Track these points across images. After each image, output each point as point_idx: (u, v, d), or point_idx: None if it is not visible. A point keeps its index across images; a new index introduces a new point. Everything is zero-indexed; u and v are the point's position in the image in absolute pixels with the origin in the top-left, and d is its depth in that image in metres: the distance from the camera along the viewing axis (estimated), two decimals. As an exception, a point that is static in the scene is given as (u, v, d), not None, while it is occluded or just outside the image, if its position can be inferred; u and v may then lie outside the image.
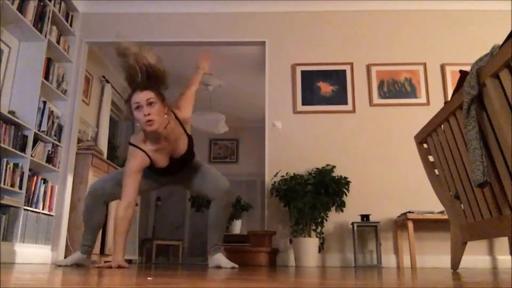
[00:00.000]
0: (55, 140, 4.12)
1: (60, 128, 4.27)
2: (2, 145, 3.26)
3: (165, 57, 5.72)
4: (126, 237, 2.29)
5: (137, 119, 2.27)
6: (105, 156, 5.28)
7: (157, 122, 2.24)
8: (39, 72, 3.84)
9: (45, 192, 3.92)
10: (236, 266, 2.62)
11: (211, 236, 2.72)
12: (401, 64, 4.48)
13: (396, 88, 4.42)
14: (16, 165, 3.47)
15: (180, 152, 2.52)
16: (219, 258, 2.67)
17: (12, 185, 3.42)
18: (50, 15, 4.02)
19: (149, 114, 2.21)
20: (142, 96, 2.22)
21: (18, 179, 3.49)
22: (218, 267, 2.64)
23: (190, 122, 2.65)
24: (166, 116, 2.34)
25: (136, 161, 2.37)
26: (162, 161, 2.47)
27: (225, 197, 2.68)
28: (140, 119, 2.24)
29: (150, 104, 2.22)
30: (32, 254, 3.67)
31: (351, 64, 4.50)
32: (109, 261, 2.25)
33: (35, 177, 3.79)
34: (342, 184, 3.90)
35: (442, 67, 4.45)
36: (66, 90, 4.40)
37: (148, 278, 1.24)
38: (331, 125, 4.35)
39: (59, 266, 2.58)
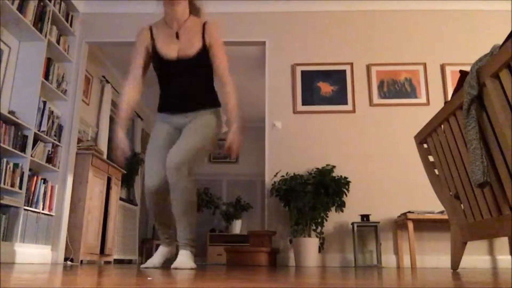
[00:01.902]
0: (55, 140, 4.13)
1: (60, 128, 4.27)
2: (2, 145, 3.26)
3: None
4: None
5: (164, 3, 2.43)
6: (105, 156, 5.28)
7: (181, 5, 2.42)
8: (39, 72, 3.84)
9: (45, 192, 3.92)
10: (189, 267, 2.27)
11: (177, 229, 2.40)
12: (401, 64, 4.48)
13: (396, 88, 4.42)
14: (16, 165, 3.47)
15: (188, 54, 2.44)
16: (178, 258, 2.34)
17: (12, 185, 3.42)
18: (50, 15, 4.02)
19: None
20: None
21: (18, 179, 3.49)
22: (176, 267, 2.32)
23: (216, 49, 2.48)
24: (189, 14, 2.51)
25: (139, 35, 2.53)
26: (167, 49, 2.46)
27: (178, 177, 2.31)
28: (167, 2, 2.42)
29: None
30: (32, 254, 3.67)
31: (351, 64, 4.50)
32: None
33: (35, 177, 3.79)
34: (342, 184, 3.90)
35: (442, 67, 4.45)
36: (66, 90, 4.40)
37: (148, 278, 1.24)
38: (331, 125, 4.35)
39: (147, 268, 2.33)
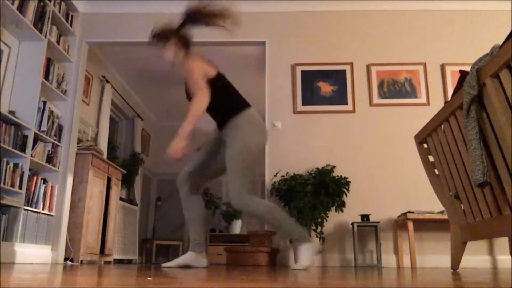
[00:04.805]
0: (55, 140, 4.12)
1: (60, 128, 4.27)
2: (2, 145, 3.26)
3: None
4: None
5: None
6: (105, 156, 5.28)
7: (168, 56, 2.77)
8: (39, 72, 3.84)
9: (45, 192, 3.92)
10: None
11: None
12: (401, 64, 4.48)
13: (396, 88, 4.42)
14: (16, 165, 3.47)
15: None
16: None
17: (12, 185, 3.42)
18: (50, 15, 4.02)
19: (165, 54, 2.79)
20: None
21: (18, 179, 3.49)
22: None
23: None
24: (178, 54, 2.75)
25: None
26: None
27: (246, 209, 2.50)
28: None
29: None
30: (32, 254, 3.67)
31: (351, 64, 4.50)
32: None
33: (35, 177, 3.79)
34: (342, 184, 3.90)
35: (442, 67, 4.45)
36: (66, 90, 4.40)
37: (148, 278, 1.24)
38: (331, 125, 4.35)
39: (166, 268, 2.53)
